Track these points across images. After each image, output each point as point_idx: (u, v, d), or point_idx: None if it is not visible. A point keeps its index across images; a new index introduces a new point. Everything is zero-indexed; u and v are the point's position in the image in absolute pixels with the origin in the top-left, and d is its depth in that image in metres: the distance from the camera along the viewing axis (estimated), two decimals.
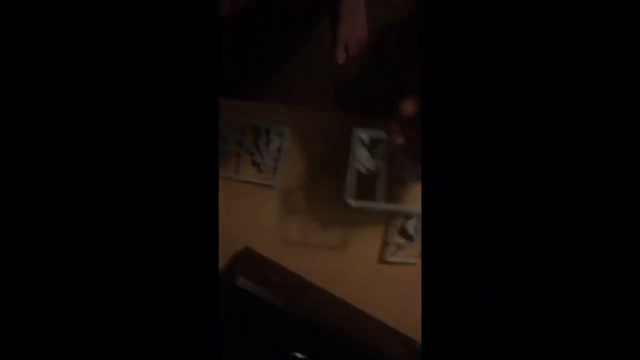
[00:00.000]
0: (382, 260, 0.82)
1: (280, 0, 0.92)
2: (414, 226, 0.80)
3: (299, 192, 0.84)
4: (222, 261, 0.83)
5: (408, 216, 0.80)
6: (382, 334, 0.81)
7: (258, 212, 0.84)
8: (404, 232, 0.81)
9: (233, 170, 0.83)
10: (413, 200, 0.78)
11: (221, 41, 0.86)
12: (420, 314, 0.40)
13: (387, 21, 0.94)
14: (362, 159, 0.75)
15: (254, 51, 0.92)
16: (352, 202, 0.74)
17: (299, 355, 0.69)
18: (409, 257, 0.81)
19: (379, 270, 0.82)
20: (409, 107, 0.56)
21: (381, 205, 0.76)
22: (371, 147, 0.78)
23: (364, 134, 0.75)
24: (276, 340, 0.72)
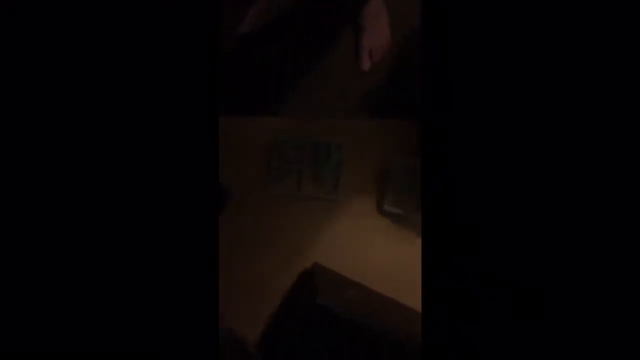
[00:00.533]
0: None
1: (302, 14, 0.94)
2: None
3: (361, 204, 0.85)
4: (291, 278, 0.86)
5: None
6: None
7: (323, 228, 0.86)
8: None
9: (295, 188, 0.86)
10: None
11: (239, 56, 0.89)
12: None
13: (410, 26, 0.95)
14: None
15: (279, 66, 0.94)
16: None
17: None
18: None
19: None
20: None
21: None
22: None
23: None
24: (354, 355, 0.73)
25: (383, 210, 0.84)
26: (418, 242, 0.84)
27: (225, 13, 0.87)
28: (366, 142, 0.86)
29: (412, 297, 0.82)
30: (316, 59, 0.95)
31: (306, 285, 0.84)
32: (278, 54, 0.94)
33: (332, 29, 0.96)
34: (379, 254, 0.85)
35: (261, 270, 0.85)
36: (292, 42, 0.95)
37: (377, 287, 0.84)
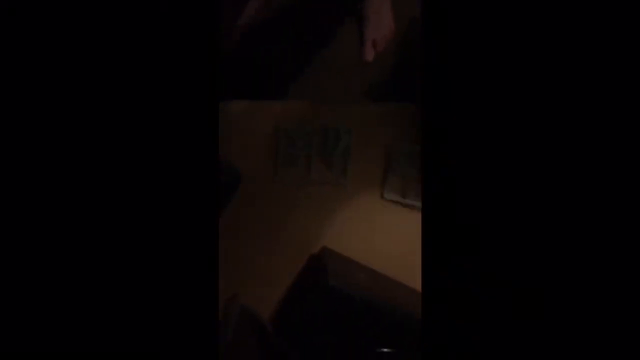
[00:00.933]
0: None
1: (304, 4, 0.93)
2: None
3: (370, 189, 0.86)
4: (301, 262, 0.87)
5: None
6: None
7: (331, 212, 0.86)
8: None
9: (304, 173, 0.86)
10: None
11: (235, 45, 0.89)
12: None
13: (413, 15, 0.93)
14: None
15: (278, 54, 0.94)
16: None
17: (385, 350, 0.73)
18: None
19: None
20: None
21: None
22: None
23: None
24: (364, 335, 0.76)
25: (384, 198, 0.84)
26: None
27: (226, 3, 0.87)
28: (375, 126, 0.86)
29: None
30: (320, 48, 0.94)
31: (316, 268, 0.85)
32: (281, 44, 0.93)
33: (336, 18, 0.95)
34: (387, 238, 0.85)
35: (270, 254, 0.86)
36: (295, 33, 0.94)
37: (384, 272, 0.84)
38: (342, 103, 0.87)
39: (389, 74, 0.95)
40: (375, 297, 0.75)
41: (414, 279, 0.84)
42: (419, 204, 0.84)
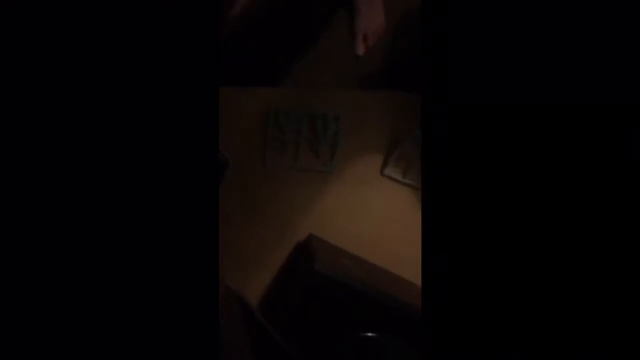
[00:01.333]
0: None
1: None
2: None
3: (357, 176, 0.87)
4: (287, 249, 0.88)
5: None
6: None
7: (317, 199, 0.87)
8: None
9: (292, 159, 0.86)
10: None
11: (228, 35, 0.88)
12: None
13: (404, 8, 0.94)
14: None
15: (271, 43, 0.93)
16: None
17: (369, 334, 0.75)
18: None
19: None
20: None
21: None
22: None
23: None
24: (350, 319, 0.77)
25: (383, 174, 0.85)
26: (416, 213, 0.86)
27: None
28: (363, 113, 0.86)
29: (407, 269, 0.85)
30: (312, 38, 0.94)
31: (302, 253, 0.86)
32: (274, 33, 0.93)
33: (328, 9, 0.94)
34: (374, 225, 0.86)
35: (258, 240, 0.87)
36: (288, 23, 0.93)
37: (372, 259, 0.86)
38: (331, 89, 0.87)
39: (381, 64, 0.95)
40: (360, 283, 0.77)
41: (408, 266, 0.86)
42: (418, 184, 0.86)
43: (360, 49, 0.93)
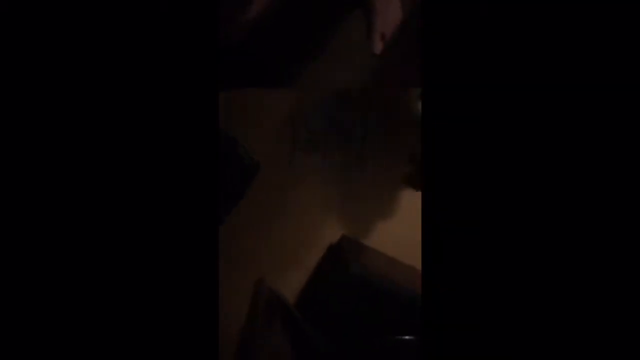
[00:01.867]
0: None
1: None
2: None
3: (386, 176, 0.87)
4: (319, 250, 0.88)
5: None
6: None
7: (347, 199, 0.88)
8: None
9: (320, 160, 0.87)
10: None
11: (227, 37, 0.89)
12: None
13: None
14: None
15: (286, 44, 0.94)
16: None
17: (406, 337, 0.74)
18: None
19: None
20: None
21: None
22: None
23: None
24: (386, 322, 0.78)
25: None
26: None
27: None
28: (392, 112, 0.85)
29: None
30: (329, 37, 0.94)
31: (336, 256, 0.86)
32: (289, 34, 0.93)
33: (345, 8, 0.94)
34: (406, 226, 0.85)
35: (287, 241, 0.87)
36: (303, 23, 0.94)
37: (404, 260, 0.85)
38: (357, 89, 0.87)
39: (397, 62, 0.94)
40: (394, 284, 0.76)
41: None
42: None
43: (378, 48, 0.92)
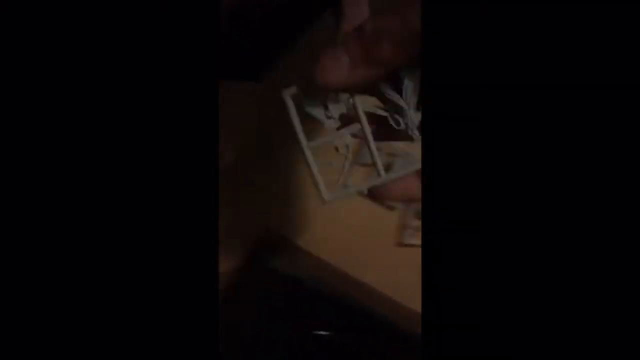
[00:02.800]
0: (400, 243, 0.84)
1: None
2: None
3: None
4: (247, 244, 0.85)
5: None
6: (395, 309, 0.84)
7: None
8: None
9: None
10: None
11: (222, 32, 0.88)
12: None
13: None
14: None
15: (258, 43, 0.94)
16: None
17: (322, 332, 0.75)
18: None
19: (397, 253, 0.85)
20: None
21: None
22: None
23: None
24: (303, 317, 0.78)
25: None
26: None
27: None
28: None
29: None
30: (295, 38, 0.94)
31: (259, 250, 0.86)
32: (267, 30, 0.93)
33: (314, 11, 0.94)
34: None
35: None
36: (277, 22, 0.93)
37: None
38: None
39: None
40: (318, 282, 0.78)
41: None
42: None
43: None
